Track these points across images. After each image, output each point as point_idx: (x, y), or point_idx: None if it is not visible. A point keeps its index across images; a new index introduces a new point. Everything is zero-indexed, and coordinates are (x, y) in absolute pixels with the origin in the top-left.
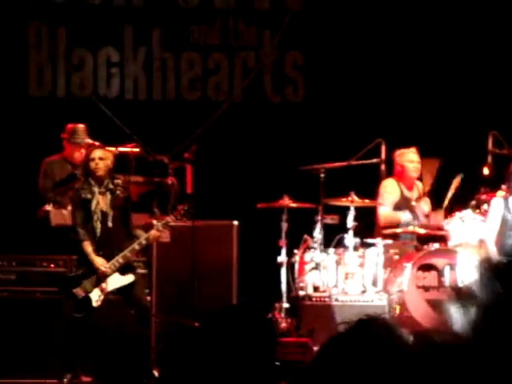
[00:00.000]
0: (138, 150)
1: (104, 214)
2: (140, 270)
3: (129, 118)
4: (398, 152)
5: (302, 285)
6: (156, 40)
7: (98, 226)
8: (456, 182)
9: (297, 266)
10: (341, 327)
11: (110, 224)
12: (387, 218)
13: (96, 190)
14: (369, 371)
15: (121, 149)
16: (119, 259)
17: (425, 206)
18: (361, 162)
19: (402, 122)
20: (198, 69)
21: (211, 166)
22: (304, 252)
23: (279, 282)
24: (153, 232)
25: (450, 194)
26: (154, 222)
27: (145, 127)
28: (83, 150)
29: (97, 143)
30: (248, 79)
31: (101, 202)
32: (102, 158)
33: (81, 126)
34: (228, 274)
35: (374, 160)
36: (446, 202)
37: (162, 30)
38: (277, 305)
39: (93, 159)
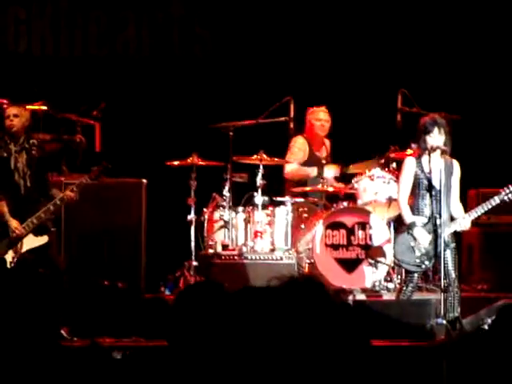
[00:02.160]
0: (45, 107)
1: (22, 173)
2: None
3: (36, 75)
4: (310, 110)
5: (211, 243)
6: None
7: (21, 184)
8: (370, 163)
9: (206, 225)
10: (273, 282)
11: (28, 183)
12: (294, 173)
13: (12, 148)
14: (295, 324)
15: (29, 106)
16: (34, 220)
17: (332, 168)
18: (270, 120)
19: (311, 80)
20: (105, 26)
21: (120, 123)
22: (213, 210)
23: (189, 241)
24: (67, 193)
25: (356, 167)
26: (63, 179)
27: (53, 84)
28: None
29: (5, 101)
30: (157, 35)
31: (19, 160)
32: (17, 115)
33: None
34: (137, 233)
35: (283, 118)
36: (350, 169)
37: None
38: (186, 263)
39: (7, 116)
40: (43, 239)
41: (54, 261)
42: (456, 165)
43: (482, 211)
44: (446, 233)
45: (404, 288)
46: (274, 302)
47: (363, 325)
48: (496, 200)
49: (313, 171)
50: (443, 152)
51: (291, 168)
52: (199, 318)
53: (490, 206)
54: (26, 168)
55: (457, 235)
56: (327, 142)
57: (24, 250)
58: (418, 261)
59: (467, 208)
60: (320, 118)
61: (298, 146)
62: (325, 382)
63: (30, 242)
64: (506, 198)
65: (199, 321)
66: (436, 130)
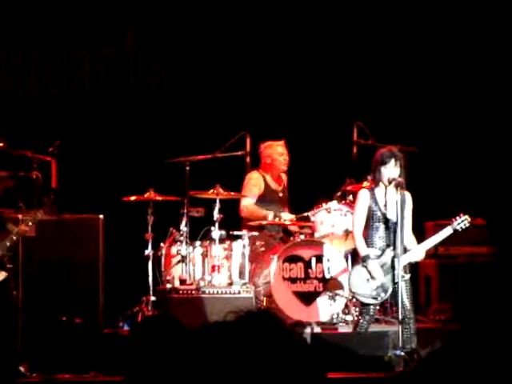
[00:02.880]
0: (1, 144)
1: None
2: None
3: None
4: (266, 144)
5: (168, 278)
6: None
7: None
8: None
9: (163, 259)
10: (229, 316)
11: None
12: (250, 211)
13: None
14: (252, 359)
15: None
16: None
17: (288, 215)
18: (226, 154)
19: (266, 114)
20: (61, 64)
21: (76, 159)
22: (170, 245)
23: (146, 276)
24: (22, 227)
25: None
26: (20, 216)
27: (9, 121)
28: None
29: None
30: (112, 72)
31: None
32: None
33: None
34: (94, 268)
35: (239, 152)
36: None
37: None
38: (144, 298)
39: None
40: (2, 275)
41: (9, 296)
42: (408, 196)
43: (436, 241)
44: (400, 264)
45: (360, 320)
46: (230, 337)
47: (319, 358)
48: (449, 229)
49: (269, 215)
50: (399, 184)
51: (247, 203)
52: (154, 351)
53: (443, 236)
54: None
55: (414, 266)
56: (283, 175)
57: None
58: (374, 293)
59: (423, 240)
60: (282, 152)
61: (253, 183)
62: None
63: None
64: (458, 227)
65: (154, 354)
66: (392, 161)
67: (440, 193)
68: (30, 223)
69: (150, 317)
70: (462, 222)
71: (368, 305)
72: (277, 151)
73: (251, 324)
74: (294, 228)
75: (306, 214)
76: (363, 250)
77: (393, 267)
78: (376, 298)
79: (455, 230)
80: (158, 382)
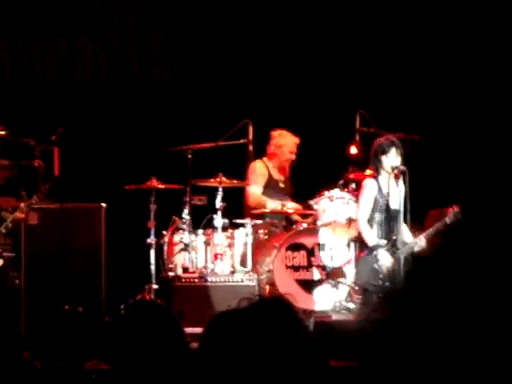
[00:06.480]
0: (3, 132)
1: None
2: (8, 254)
3: None
4: (281, 132)
5: (171, 266)
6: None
7: None
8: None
9: (166, 247)
10: (242, 303)
11: None
12: (257, 200)
13: None
14: (264, 345)
15: None
16: None
17: (295, 205)
18: (228, 142)
19: (269, 102)
20: (63, 50)
21: (79, 148)
22: (173, 233)
23: (149, 264)
24: (17, 214)
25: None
26: (22, 205)
27: (10, 108)
28: None
29: None
30: (114, 59)
31: None
32: None
33: None
34: (97, 256)
35: (242, 140)
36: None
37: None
38: (146, 286)
39: None
40: None
41: (8, 284)
42: (402, 185)
43: (435, 231)
44: (404, 254)
45: (364, 308)
46: (241, 323)
47: (323, 347)
48: (447, 220)
49: (276, 206)
50: (402, 172)
51: (255, 191)
52: (139, 337)
53: (443, 227)
54: None
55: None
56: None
57: None
58: (380, 282)
59: (425, 228)
60: (293, 150)
61: (257, 172)
62: None
63: None
64: (454, 218)
65: (139, 340)
66: (393, 150)
67: (443, 181)
68: (25, 210)
69: (135, 303)
70: (458, 213)
71: (372, 293)
72: (289, 146)
73: (264, 311)
74: (296, 217)
75: (309, 202)
76: (372, 240)
77: (398, 256)
78: (382, 287)
79: (452, 221)
80: (145, 370)
